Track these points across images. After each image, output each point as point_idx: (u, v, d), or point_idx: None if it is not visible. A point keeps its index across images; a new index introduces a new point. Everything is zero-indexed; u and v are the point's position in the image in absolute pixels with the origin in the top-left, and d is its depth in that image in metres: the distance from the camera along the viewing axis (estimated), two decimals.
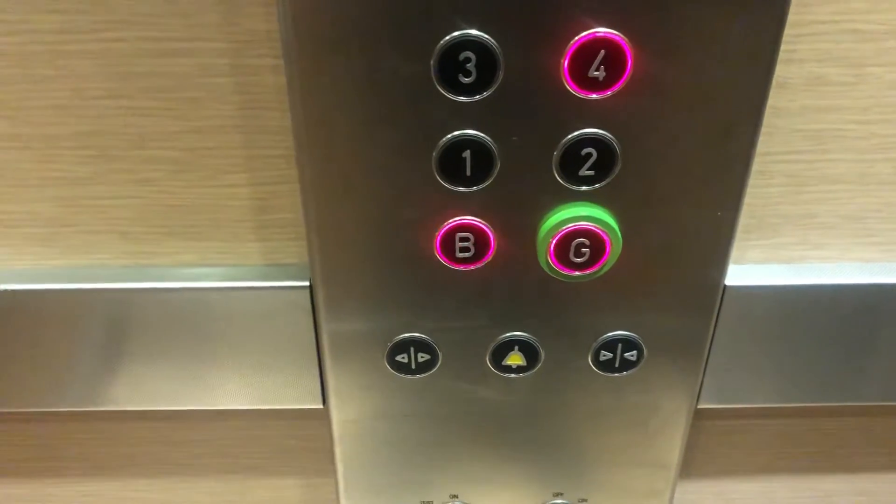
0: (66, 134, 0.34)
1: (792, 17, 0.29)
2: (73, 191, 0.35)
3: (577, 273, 0.33)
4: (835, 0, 0.31)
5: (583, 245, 0.32)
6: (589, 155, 0.31)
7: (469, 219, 0.32)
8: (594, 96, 0.29)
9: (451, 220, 0.32)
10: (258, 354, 0.39)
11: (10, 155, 0.34)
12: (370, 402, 0.38)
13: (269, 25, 0.31)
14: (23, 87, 0.32)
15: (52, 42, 0.31)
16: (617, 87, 0.29)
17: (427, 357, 0.37)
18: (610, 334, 0.36)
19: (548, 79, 0.29)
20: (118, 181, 0.35)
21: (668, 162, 0.31)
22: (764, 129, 0.31)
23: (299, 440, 0.46)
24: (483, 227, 0.32)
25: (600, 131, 0.30)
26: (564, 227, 0.32)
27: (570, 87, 0.29)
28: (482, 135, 0.30)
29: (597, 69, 0.28)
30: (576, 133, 0.30)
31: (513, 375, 0.37)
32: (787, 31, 0.29)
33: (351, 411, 0.39)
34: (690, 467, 0.48)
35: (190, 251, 0.37)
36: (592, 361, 0.37)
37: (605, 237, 0.32)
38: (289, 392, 0.40)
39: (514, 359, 0.37)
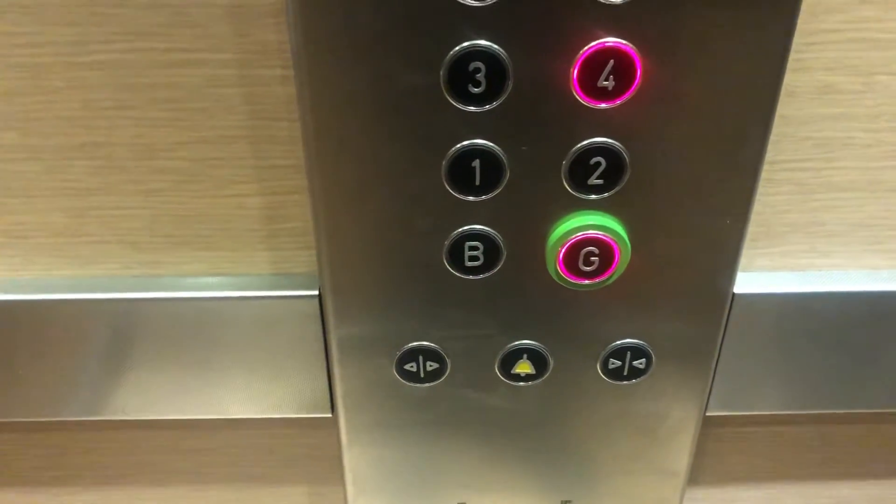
0: (75, 145, 0.34)
1: (801, 25, 0.29)
2: (82, 201, 0.35)
3: (587, 281, 0.33)
4: (843, 9, 0.31)
5: (592, 254, 0.32)
6: (598, 164, 0.31)
7: (478, 228, 0.32)
8: (603, 106, 0.29)
9: (460, 229, 0.32)
10: (267, 363, 0.39)
11: (20, 166, 0.34)
12: (379, 410, 0.38)
13: (279, 36, 0.31)
14: (33, 98, 0.32)
15: (63, 54, 0.31)
16: (626, 97, 0.29)
17: (436, 366, 0.37)
18: (619, 342, 0.36)
19: (557, 88, 0.29)
20: (127, 191, 0.35)
21: (677, 170, 0.31)
22: (772, 138, 0.31)
23: (308, 449, 0.46)
24: (492, 236, 0.32)
25: (609, 140, 0.30)
26: (573, 236, 0.32)
27: (580, 97, 0.29)
28: (491, 144, 0.30)
29: (606, 79, 0.28)
30: (585, 142, 0.30)
31: (521, 384, 0.37)
32: (796, 40, 0.29)
33: (359, 420, 0.39)
34: (699, 474, 0.48)
35: (199, 261, 0.37)
36: (601, 369, 0.37)
37: (614, 245, 0.32)
38: (297, 401, 0.40)
39: (523, 367, 0.37)
